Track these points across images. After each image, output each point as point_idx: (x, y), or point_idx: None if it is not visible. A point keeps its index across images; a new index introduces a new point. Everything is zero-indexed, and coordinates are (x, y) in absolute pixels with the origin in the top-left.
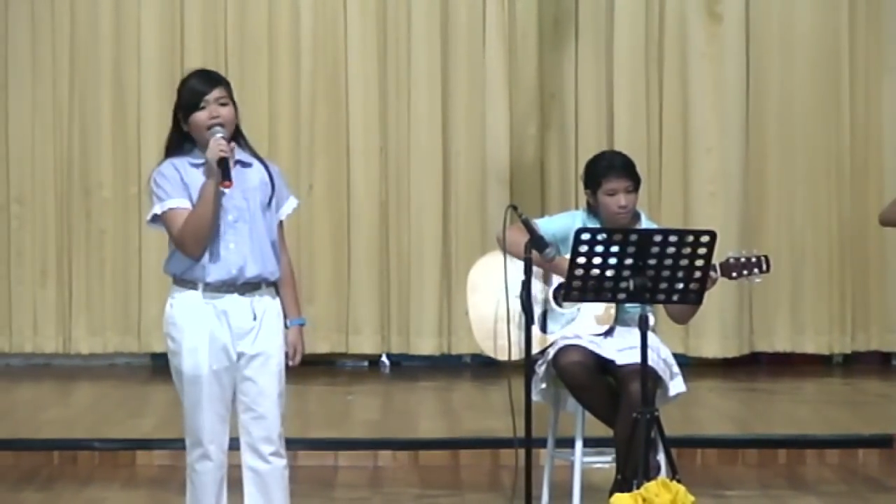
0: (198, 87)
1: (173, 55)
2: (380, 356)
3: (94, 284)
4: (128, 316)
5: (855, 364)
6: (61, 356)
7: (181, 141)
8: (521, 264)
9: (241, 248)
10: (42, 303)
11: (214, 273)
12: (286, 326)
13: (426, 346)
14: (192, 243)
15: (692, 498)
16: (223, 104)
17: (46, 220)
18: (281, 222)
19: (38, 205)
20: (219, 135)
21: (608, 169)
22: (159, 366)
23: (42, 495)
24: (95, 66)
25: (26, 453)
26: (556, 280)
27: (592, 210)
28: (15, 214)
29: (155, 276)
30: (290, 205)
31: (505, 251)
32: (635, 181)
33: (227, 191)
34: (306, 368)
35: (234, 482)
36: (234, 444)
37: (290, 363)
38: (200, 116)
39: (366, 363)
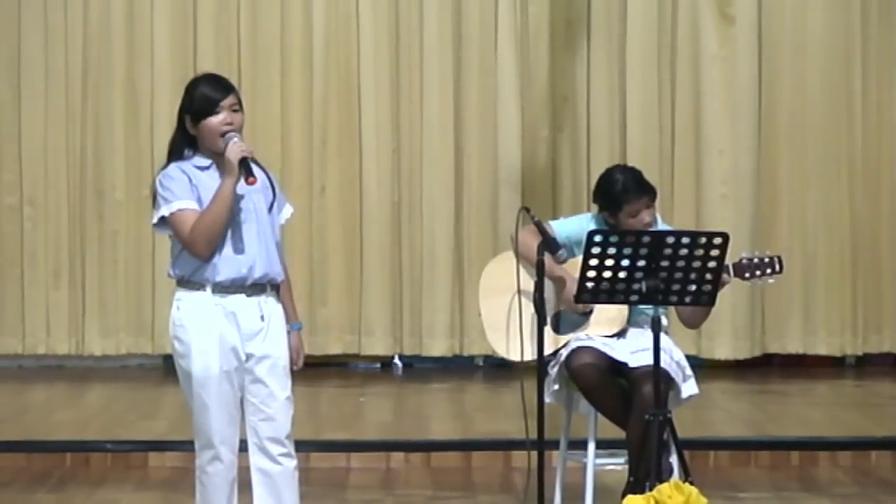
0: (212, 94)
1: (186, 58)
2: (392, 358)
3: (106, 286)
4: (140, 317)
5: (867, 366)
6: (74, 358)
7: (183, 144)
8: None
9: (250, 248)
10: (55, 304)
11: (224, 272)
12: (287, 331)
13: (438, 347)
14: (204, 243)
15: (705, 500)
16: (235, 111)
17: (59, 221)
18: (280, 227)
19: (51, 207)
20: (235, 138)
21: (626, 192)
22: (172, 367)
23: (54, 497)
24: (108, 69)
25: (39, 455)
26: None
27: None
28: (28, 216)
29: (168, 277)
30: (287, 211)
31: (518, 253)
32: (653, 194)
33: (245, 189)
34: (318, 370)
35: (242, 484)
36: (242, 447)
37: (294, 367)
38: (213, 122)
39: (378, 365)
